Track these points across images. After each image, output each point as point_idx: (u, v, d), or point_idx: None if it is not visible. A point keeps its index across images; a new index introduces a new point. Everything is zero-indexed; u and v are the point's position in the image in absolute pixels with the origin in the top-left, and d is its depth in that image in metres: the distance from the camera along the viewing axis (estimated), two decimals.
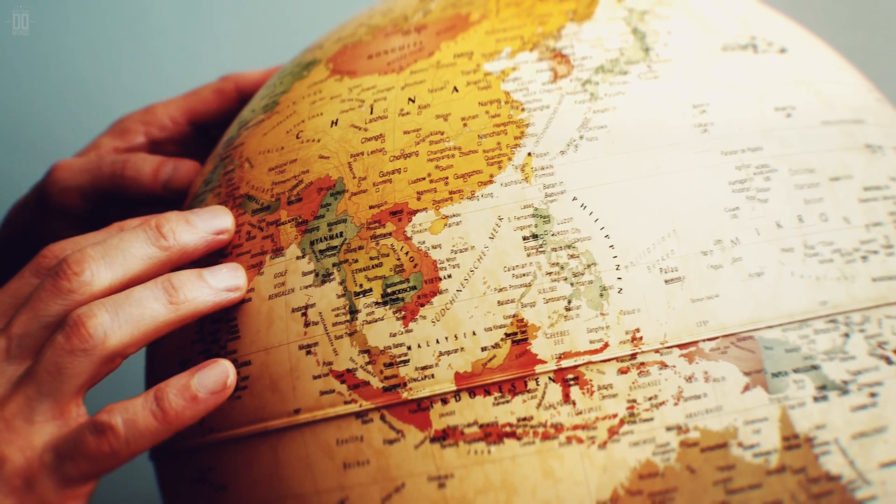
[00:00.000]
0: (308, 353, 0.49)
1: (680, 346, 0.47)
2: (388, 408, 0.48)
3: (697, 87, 0.51)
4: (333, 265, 0.50)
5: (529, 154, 0.49)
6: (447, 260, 0.48)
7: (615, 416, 0.46)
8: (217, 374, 0.50)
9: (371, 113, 0.52)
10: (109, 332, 0.49)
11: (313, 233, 0.51)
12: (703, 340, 0.47)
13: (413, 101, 0.52)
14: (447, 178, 0.49)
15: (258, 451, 0.51)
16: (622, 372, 0.46)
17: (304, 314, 0.50)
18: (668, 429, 0.46)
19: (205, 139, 0.72)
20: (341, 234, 0.50)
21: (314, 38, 0.65)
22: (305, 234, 0.51)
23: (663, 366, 0.46)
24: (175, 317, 0.50)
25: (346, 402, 0.48)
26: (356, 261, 0.49)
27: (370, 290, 0.49)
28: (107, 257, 0.50)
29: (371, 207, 0.50)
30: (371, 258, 0.49)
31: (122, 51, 1.01)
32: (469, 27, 0.54)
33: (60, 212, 0.67)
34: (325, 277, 0.50)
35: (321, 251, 0.50)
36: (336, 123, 0.53)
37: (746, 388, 0.47)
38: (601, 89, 0.51)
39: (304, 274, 0.50)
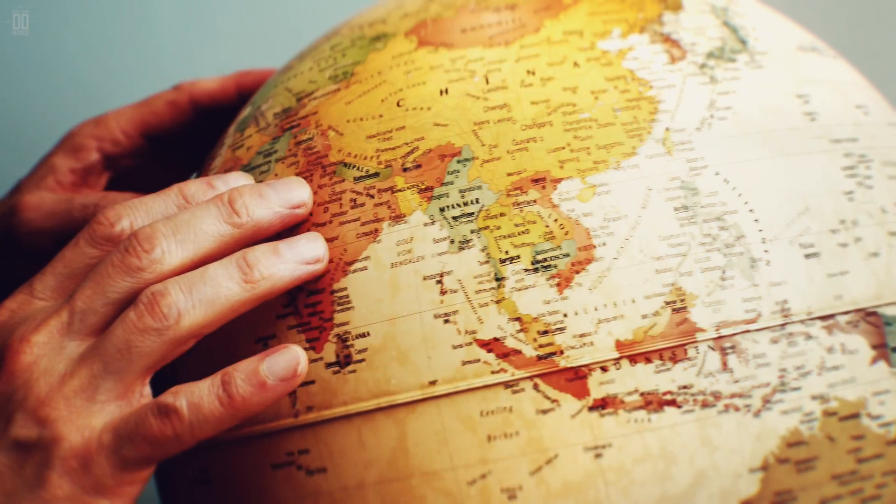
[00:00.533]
0: (446, 321, 0.47)
1: (821, 318, 0.48)
2: (543, 376, 0.46)
3: (795, 80, 0.53)
4: (472, 232, 0.48)
5: (667, 129, 0.50)
6: (600, 228, 0.47)
7: (768, 384, 0.47)
8: (287, 361, 0.48)
9: (487, 83, 0.51)
10: (183, 313, 0.47)
11: (442, 199, 0.49)
12: (840, 314, 0.49)
13: (533, 74, 0.51)
14: (588, 148, 0.49)
15: (378, 428, 0.48)
16: (773, 342, 0.47)
17: (440, 282, 0.48)
18: (813, 398, 0.47)
19: (161, 149, 0.69)
20: (477, 200, 0.48)
21: (313, 37, 0.64)
22: (432, 200, 0.49)
23: (808, 336, 0.48)
24: (251, 296, 0.48)
25: (493, 372, 0.47)
26: (498, 227, 0.48)
27: (518, 256, 0.47)
28: (178, 234, 0.48)
29: (509, 175, 0.49)
30: (516, 225, 0.48)
31: (122, 51, 0.99)
32: (567, 7, 0.54)
33: (30, 253, 0.63)
34: (462, 244, 0.48)
35: (454, 217, 0.48)
36: (446, 92, 0.51)
37: (873, 361, 0.49)
38: (718, 73, 0.52)
39: (436, 241, 0.48)
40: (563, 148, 0.49)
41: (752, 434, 0.47)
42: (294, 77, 0.57)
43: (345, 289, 0.49)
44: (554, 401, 0.46)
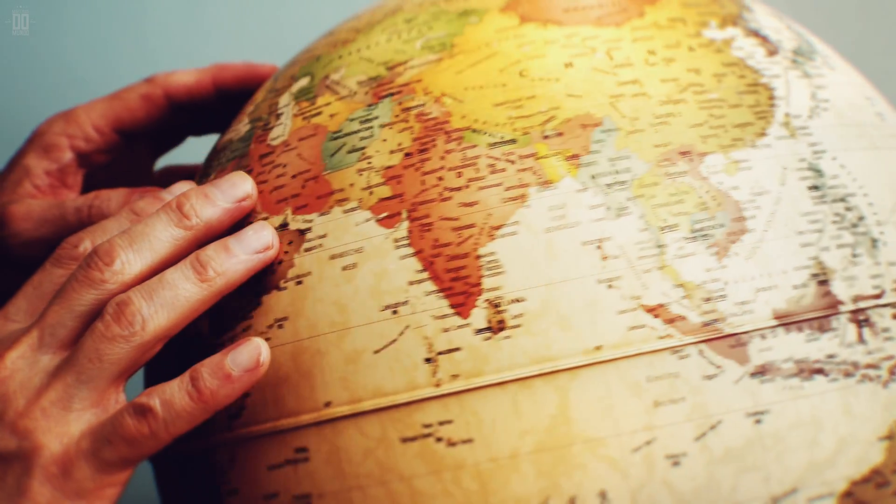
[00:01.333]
0: (609, 287, 0.47)
1: None
2: (708, 342, 0.47)
3: (857, 82, 0.57)
4: (627, 199, 0.48)
5: (787, 114, 0.52)
6: (748, 201, 0.49)
7: (892, 357, 0.50)
8: (250, 352, 0.50)
9: (611, 60, 0.52)
10: (147, 318, 0.49)
11: (592, 167, 0.49)
12: None
13: (655, 54, 0.52)
14: (724, 126, 0.50)
15: (536, 395, 0.47)
16: (893, 317, 0.50)
17: (599, 247, 0.47)
18: None
19: (134, 143, 0.69)
20: (629, 169, 0.49)
21: (313, 37, 0.64)
22: (581, 167, 0.49)
23: None
24: (209, 293, 0.51)
25: (660, 338, 0.47)
26: (654, 196, 0.48)
27: (676, 225, 0.48)
28: (134, 244, 0.51)
29: (656, 146, 0.49)
30: (671, 195, 0.48)
31: (121, 51, 1.00)
32: None
33: (22, 264, 0.63)
34: (620, 211, 0.48)
35: (608, 185, 0.48)
36: (572, 66, 0.51)
37: None
38: (808, 69, 0.55)
39: (592, 207, 0.48)
40: (702, 124, 0.50)
41: (881, 403, 0.49)
42: (368, 48, 0.55)
43: (493, 253, 0.48)
44: (718, 367, 0.47)
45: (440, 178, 0.49)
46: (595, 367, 0.46)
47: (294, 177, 0.53)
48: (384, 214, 0.49)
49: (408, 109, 0.51)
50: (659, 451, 0.46)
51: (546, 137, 0.49)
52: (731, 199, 0.49)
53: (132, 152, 0.69)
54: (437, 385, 0.47)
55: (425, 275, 0.48)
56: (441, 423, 0.47)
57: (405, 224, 0.49)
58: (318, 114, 0.54)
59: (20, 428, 0.49)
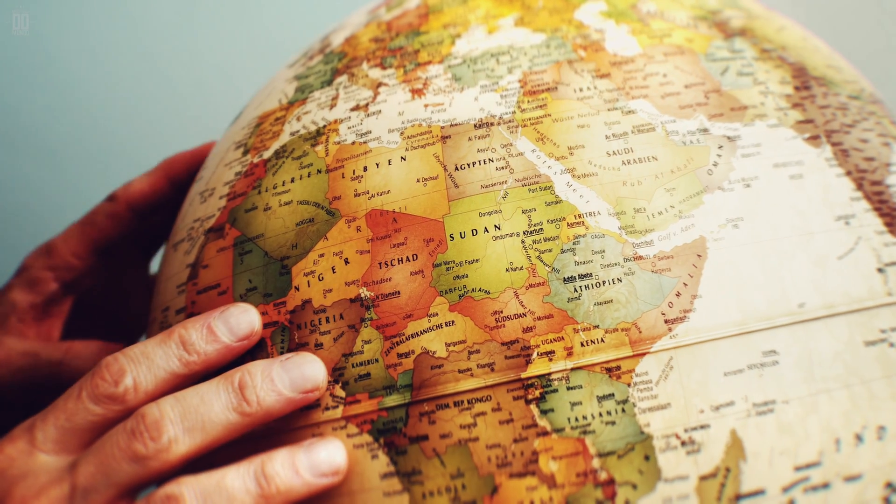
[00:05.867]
0: None
1: None
2: None
3: None
4: None
5: None
6: None
7: None
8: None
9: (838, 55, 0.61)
10: None
11: None
12: None
13: None
14: None
15: None
16: None
17: None
18: None
19: (117, 257, 0.71)
20: None
21: (312, 37, 0.67)
22: None
23: None
24: None
25: None
26: None
27: None
28: (186, 421, 0.48)
29: None
30: None
31: (121, 51, 1.00)
32: None
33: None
34: None
35: None
36: (834, 54, 0.60)
37: None
38: None
39: None
40: None
41: None
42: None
43: (894, 185, 0.53)
44: None
45: (833, 115, 0.53)
46: None
47: (687, 87, 0.51)
48: (807, 135, 0.52)
49: (766, 51, 0.54)
50: None
51: (873, 102, 0.57)
52: None
53: (120, 264, 0.71)
54: (889, 294, 0.51)
55: (860, 194, 0.52)
56: (893, 330, 0.50)
57: (828, 147, 0.52)
58: (668, 36, 0.53)
59: None
